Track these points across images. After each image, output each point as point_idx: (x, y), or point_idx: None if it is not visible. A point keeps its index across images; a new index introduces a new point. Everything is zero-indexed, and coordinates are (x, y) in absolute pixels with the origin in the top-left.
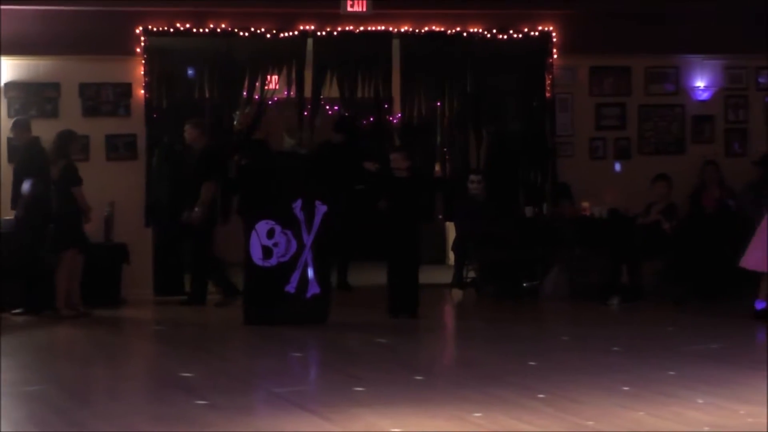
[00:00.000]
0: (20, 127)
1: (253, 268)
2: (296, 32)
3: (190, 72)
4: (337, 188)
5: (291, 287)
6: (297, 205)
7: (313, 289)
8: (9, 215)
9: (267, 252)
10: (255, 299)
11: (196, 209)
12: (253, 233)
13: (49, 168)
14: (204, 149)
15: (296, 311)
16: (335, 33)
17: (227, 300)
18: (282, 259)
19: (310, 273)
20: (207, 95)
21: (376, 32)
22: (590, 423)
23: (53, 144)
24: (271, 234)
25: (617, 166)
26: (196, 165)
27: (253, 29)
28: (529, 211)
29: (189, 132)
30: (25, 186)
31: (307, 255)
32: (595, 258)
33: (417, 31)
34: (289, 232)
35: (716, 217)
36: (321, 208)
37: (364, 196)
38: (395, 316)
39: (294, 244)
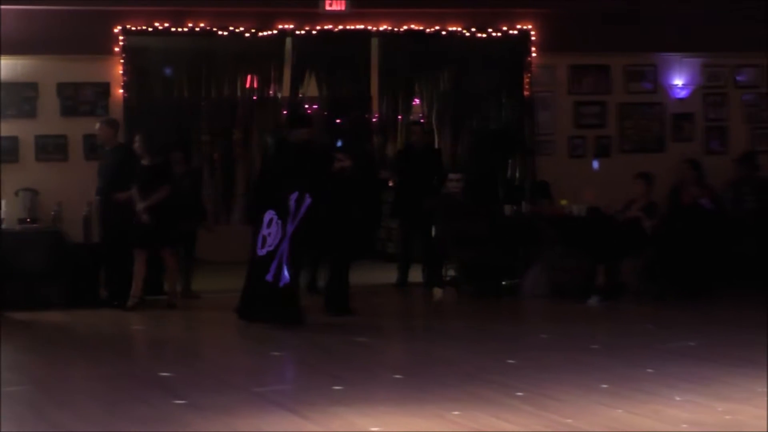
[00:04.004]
0: None
1: (255, 259)
2: (275, 31)
3: (167, 71)
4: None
5: (270, 276)
6: (293, 197)
7: (284, 279)
8: None
9: (263, 241)
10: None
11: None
12: (262, 225)
13: None
14: (117, 152)
15: (272, 301)
16: (314, 32)
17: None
18: (269, 248)
19: (284, 262)
20: (185, 95)
21: (355, 31)
22: (569, 421)
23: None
24: (270, 224)
25: (595, 164)
26: (110, 169)
27: (231, 28)
28: (508, 209)
29: (102, 131)
30: None
31: (285, 245)
32: (575, 256)
33: (396, 30)
34: (280, 222)
35: (693, 215)
36: (307, 200)
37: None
38: (330, 313)
39: (280, 233)
